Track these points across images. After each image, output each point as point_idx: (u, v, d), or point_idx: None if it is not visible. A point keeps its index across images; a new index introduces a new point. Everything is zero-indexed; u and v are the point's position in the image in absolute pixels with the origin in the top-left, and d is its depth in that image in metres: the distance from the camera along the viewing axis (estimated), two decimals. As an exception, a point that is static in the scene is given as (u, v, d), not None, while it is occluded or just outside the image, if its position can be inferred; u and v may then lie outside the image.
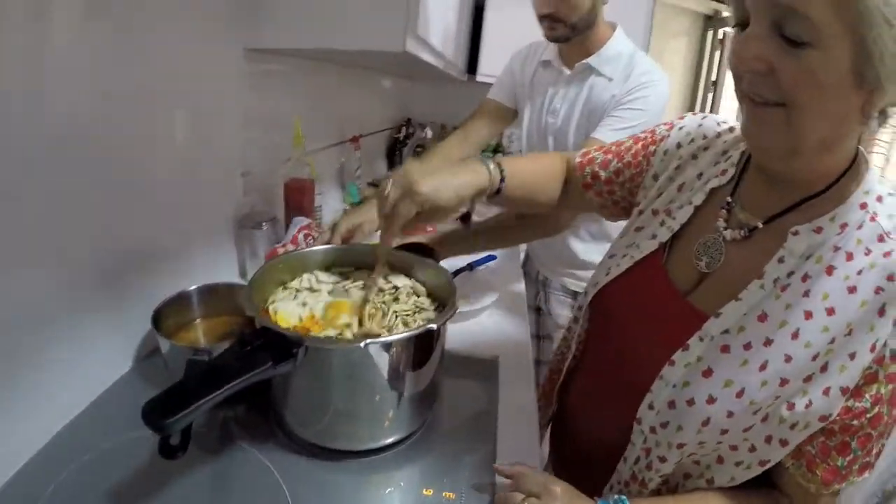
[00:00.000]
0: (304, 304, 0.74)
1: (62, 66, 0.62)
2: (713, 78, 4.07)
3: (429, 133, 1.84)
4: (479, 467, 0.69)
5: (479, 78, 2.25)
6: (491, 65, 2.29)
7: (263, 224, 1.09)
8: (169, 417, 0.47)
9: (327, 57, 1.30)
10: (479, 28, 2.22)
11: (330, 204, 1.56)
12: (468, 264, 1.31)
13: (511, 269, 1.43)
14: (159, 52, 0.78)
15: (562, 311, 1.39)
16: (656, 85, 1.14)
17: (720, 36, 3.99)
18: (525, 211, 0.86)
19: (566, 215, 1.03)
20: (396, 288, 0.78)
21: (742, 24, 0.50)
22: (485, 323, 1.11)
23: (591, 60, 1.20)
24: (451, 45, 1.64)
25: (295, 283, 0.79)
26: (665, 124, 0.78)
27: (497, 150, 2.47)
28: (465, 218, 1.38)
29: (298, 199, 1.21)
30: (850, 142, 0.54)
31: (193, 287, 0.85)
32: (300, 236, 1.15)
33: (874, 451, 0.56)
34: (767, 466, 0.57)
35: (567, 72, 1.26)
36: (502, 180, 0.74)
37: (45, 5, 0.59)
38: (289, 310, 0.72)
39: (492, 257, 1.39)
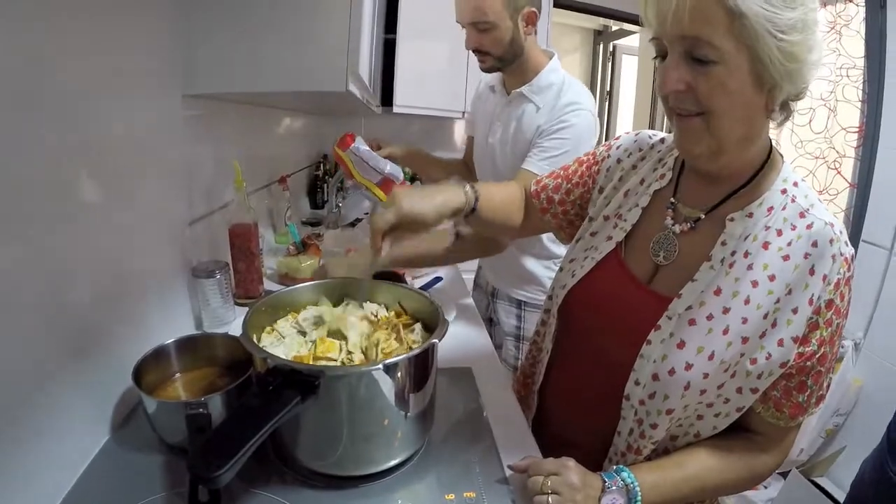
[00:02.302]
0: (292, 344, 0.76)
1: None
2: (608, 88, 4.47)
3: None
4: (488, 465, 0.74)
5: (395, 109, 2.33)
6: (405, 96, 2.39)
7: (216, 272, 1.06)
8: (222, 467, 0.48)
9: (261, 100, 1.31)
10: (392, 61, 2.32)
11: (265, 247, 1.53)
12: (419, 288, 1.35)
13: (458, 286, 1.51)
14: (94, 103, 0.73)
15: (508, 320, 1.48)
16: (580, 114, 1.22)
17: (610, 49, 4.37)
18: (493, 232, 0.94)
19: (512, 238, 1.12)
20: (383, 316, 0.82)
21: (662, 56, 0.62)
22: (449, 339, 1.16)
23: (524, 89, 1.29)
24: (369, 78, 1.71)
25: (279, 327, 0.80)
26: (604, 146, 0.89)
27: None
28: (458, 235, 1.42)
29: (244, 243, 1.19)
30: (763, 137, 0.66)
31: (171, 340, 0.82)
32: None
33: (825, 385, 0.68)
34: (743, 411, 0.67)
35: (506, 97, 1.35)
36: (476, 201, 0.83)
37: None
38: (278, 352, 0.73)
39: (438, 279, 1.46)
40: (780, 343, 0.63)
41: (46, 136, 0.63)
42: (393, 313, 0.85)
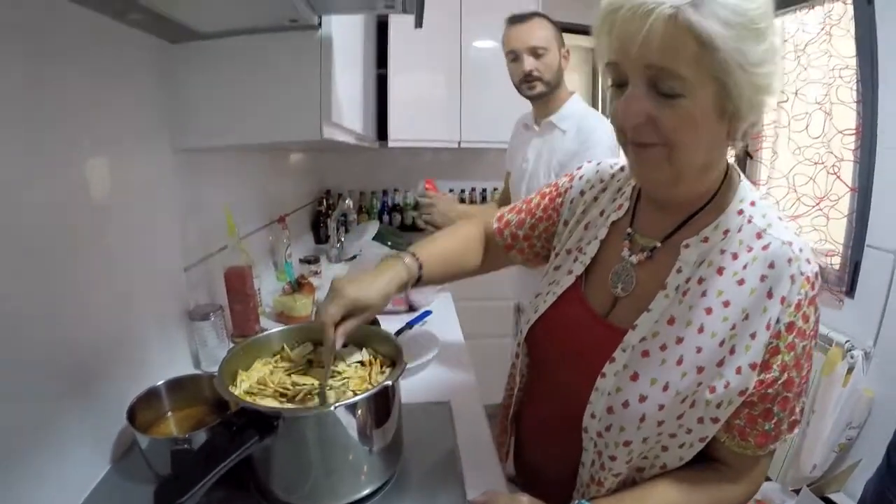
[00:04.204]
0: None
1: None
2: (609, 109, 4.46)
3: (349, 202, 1.95)
4: (453, 498, 0.77)
5: (390, 144, 2.40)
6: (399, 130, 2.47)
7: (211, 315, 1.13)
8: (181, 497, 0.53)
9: (250, 147, 1.39)
10: (386, 95, 2.39)
11: (266, 285, 1.60)
12: (406, 324, 1.40)
13: (448, 322, 1.53)
14: (95, 161, 0.83)
15: None
16: (597, 129, 1.46)
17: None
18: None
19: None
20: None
21: (619, 84, 0.59)
22: (432, 372, 1.21)
23: (552, 117, 1.56)
24: (360, 119, 1.79)
25: (255, 371, 0.83)
26: (566, 176, 0.89)
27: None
28: (411, 307, 1.57)
29: (239, 286, 1.26)
30: (721, 162, 0.65)
31: (161, 382, 0.89)
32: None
33: (797, 409, 0.65)
34: (706, 442, 0.64)
35: (537, 128, 1.63)
36: (420, 268, 0.84)
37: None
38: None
39: (427, 313, 1.51)
40: (739, 371, 0.60)
41: (53, 189, 0.73)
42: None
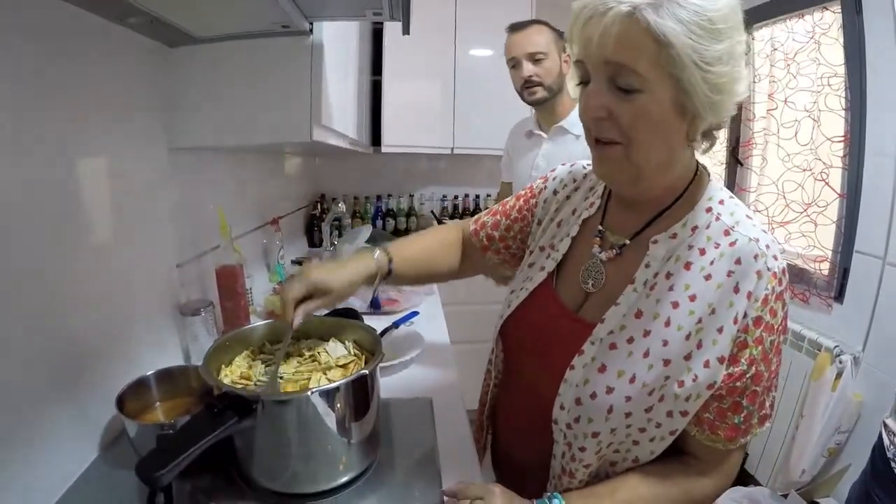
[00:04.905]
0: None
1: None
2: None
3: (342, 206, 1.98)
4: (429, 490, 0.79)
5: (383, 149, 2.43)
6: (393, 136, 2.50)
7: (201, 310, 1.15)
8: (160, 470, 0.55)
9: (245, 149, 1.42)
10: (380, 101, 2.43)
11: (258, 285, 1.63)
12: (393, 323, 1.43)
13: (435, 321, 1.56)
14: (92, 160, 0.87)
15: None
16: None
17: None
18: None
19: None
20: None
21: (585, 82, 0.62)
22: (416, 370, 1.23)
23: (563, 123, 1.60)
24: (354, 124, 1.82)
25: (237, 366, 0.86)
26: (541, 178, 0.91)
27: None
28: (374, 304, 1.58)
29: (230, 284, 1.29)
30: (683, 161, 0.65)
31: (151, 372, 0.91)
32: None
33: (767, 404, 0.65)
34: (676, 435, 0.66)
35: (545, 135, 1.66)
36: (391, 262, 0.87)
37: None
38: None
39: (414, 313, 1.53)
40: (707, 364, 0.61)
41: (50, 184, 0.77)
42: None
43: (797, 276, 1.99)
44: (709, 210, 0.66)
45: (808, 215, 2.01)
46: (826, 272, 1.91)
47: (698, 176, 0.68)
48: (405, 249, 0.91)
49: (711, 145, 0.64)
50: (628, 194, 0.71)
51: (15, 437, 0.69)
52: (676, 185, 0.67)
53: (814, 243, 1.98)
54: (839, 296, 1.85)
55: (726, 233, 0.64)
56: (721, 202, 0.67)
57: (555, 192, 0.86)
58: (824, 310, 1.89)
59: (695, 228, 0.65)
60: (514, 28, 1.59)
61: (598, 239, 0.75)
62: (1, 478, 0.67)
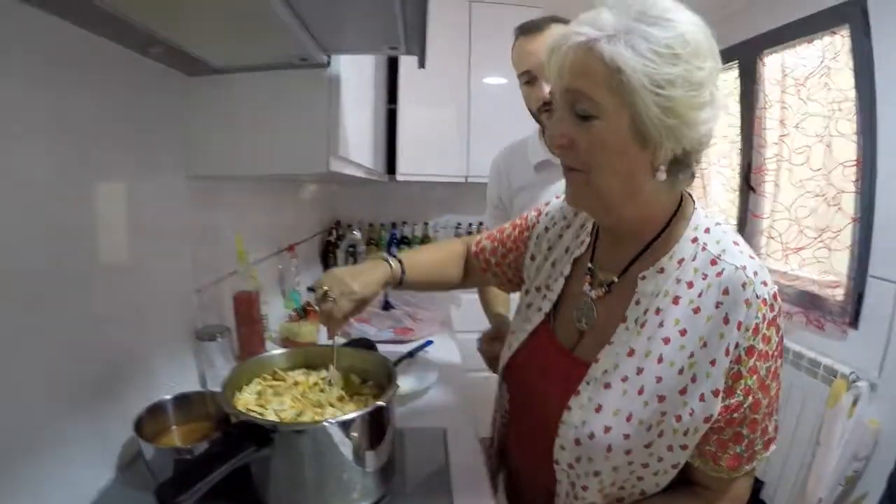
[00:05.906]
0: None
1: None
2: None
3: (357, 233, 2.01)
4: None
5: (398, 178, 2.47)
6: (408, 164, 2.54)
7: (218, 336, 1.18)
8: (181, 494, 0.57)
9: (262, 177, 1.46)
10: (395, 130, 2.47)
11: (274, 311, 1.65)
12: (408, 352, 1.43)
13: (449, 351, 1.56)
14: (114, 187, 0.91)
15: None
16: None
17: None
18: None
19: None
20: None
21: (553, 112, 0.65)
22: (431, 400, 1.24)
23: None
24: (370, 153, 1.86)
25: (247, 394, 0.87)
26: (534, 211, 0.93)
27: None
28: (386, 306, 1.59)
29: (246, 309, 1.31)
30: (655, 192, 0.63)
31: (168, 396, 0.93)
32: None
33: (770, 428, 0.65)
34: (680, 467, 0.66)
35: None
36: (403, 272, 0.90)
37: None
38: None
39: (429, 342, 1.54)
40: (702, 398, 0.61)
41: (77, 210, 0.80)
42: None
43: (811, 302, 1.98)
44: (694, 241, 0.66)
45: (822, 241, 2.00)
46: (841, 298, 1.90)
47: (682, 206, 0.69)
48: (415, 259, 0.95)
49: (689, 177, 0.64)
50: (606, 224, 0.73)
51: (36, 455, 0.71)
52: (658, 217, 0.68)
53: (828, 269, 1.96)
54: (854, 321, 1.83)
55: (713, 262, 0.64)
56: (707, 230, 0.67)
57: (546, 229, 0.87)
58: (839, 336, 1.87)
59: (681, 261, 0.66)
60: (527, 30, 1.20)
61: (588, 277, 0.75)
62: (22, 496, 0.68)
